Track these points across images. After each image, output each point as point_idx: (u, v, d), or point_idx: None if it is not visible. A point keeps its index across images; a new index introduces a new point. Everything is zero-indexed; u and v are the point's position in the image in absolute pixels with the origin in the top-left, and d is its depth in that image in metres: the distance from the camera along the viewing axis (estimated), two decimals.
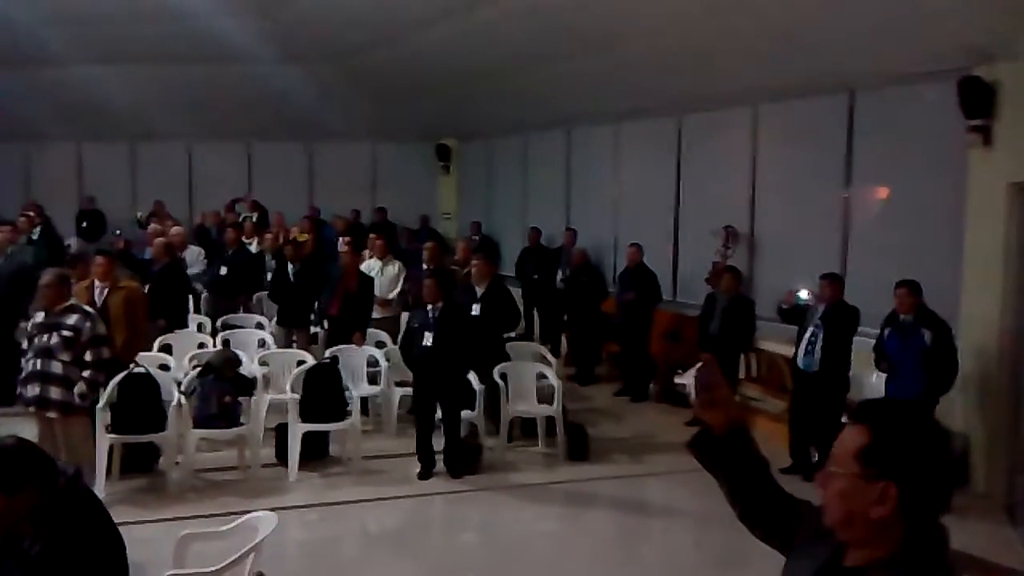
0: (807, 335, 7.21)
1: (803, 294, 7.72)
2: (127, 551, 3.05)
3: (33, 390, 5.69)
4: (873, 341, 6.95)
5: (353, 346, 8.39)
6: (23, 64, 12.73)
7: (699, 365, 2.06)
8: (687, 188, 10.79)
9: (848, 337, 7.12)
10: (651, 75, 10.00)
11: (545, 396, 7.90)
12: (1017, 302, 6.62)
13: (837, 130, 8.54)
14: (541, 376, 8.03)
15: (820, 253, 8.46)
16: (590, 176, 12.72)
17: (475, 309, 8.09)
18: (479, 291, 8.25)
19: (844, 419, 7.02)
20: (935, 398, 6.30)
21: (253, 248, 11.58)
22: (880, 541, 1.66)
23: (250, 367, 7.54)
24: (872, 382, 7.24)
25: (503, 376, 7.74)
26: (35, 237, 10.29)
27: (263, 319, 9.77)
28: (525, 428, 8.00)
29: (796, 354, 7.34)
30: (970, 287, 7.05)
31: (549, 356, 8.80)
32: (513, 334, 8.96)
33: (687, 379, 2.06)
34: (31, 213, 11.15)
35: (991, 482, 6.63)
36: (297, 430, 6.99)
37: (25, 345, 5.87)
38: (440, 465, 7.14)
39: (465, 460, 7.16)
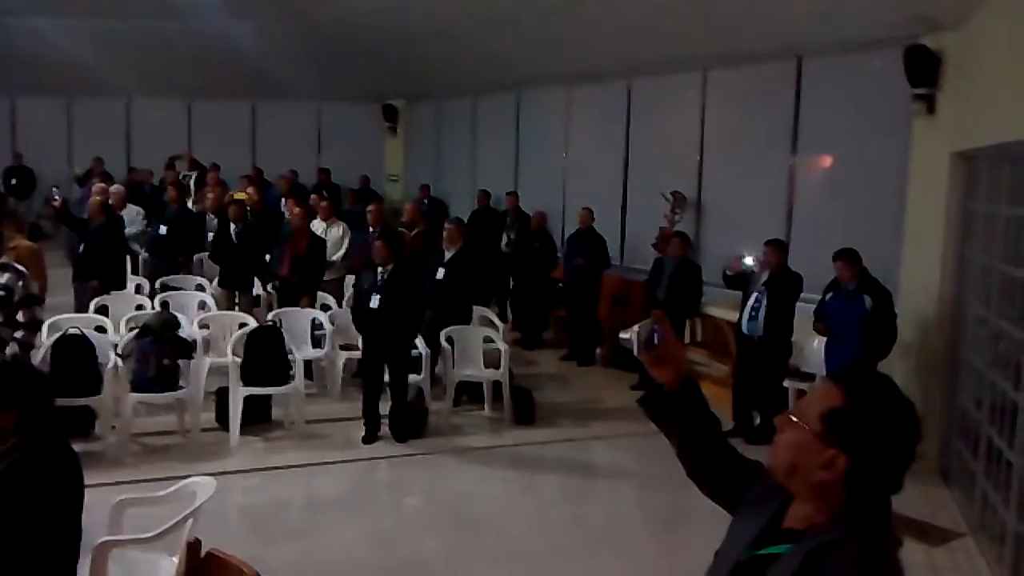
0: (751, 301, 7.28)
1: (749, 260, 7.79)
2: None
3: None
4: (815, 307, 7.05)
5: (297, 309, 8.26)
6: None
7: (645, 321, 2.03)
8: (636, 152, 10.79)
9: (791, 303, 7.21)
10: (603, 38, 9.92)
11: (491, 360, 7.88)
12: (955, 270, 6.75)
13: (785, 97, 8.58)
14: (488, 340, 8.00)
15: (766, 219, 8.54)
16: (540, 139, 12.64)
17: (440, 273, 8.00)
18: (448, 255, 8.14)
19: (786, 383, 7.18)
20: (872, 363, 6.41)
21: (192, 207, 11.29)
22: (820, 503, 1.65)
23: (190, 330, 7.37)
24: (814, 347, 7.36)
25: (449, 340, 7.69)
26: None
27: (204, 281, 9.56)
28: (471, 392, 7.98)
29: (740, 319, 7.42)
30: (910, 255, 7.17)
31: (496, 320, 8.77)
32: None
33: (631, 334, 2.03)
34: None
35: (926, 445, 6.79)
36: (238, 394, 6.87)
37: None
38: (385, 429, 7.09)
39: (411, 424, 7.12)
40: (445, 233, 8.31)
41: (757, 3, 7.86)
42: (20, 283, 5.53)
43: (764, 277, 7.26)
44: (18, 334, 5.52)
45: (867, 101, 7.76)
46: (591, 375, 9.51)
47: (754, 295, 7.27)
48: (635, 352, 2.03)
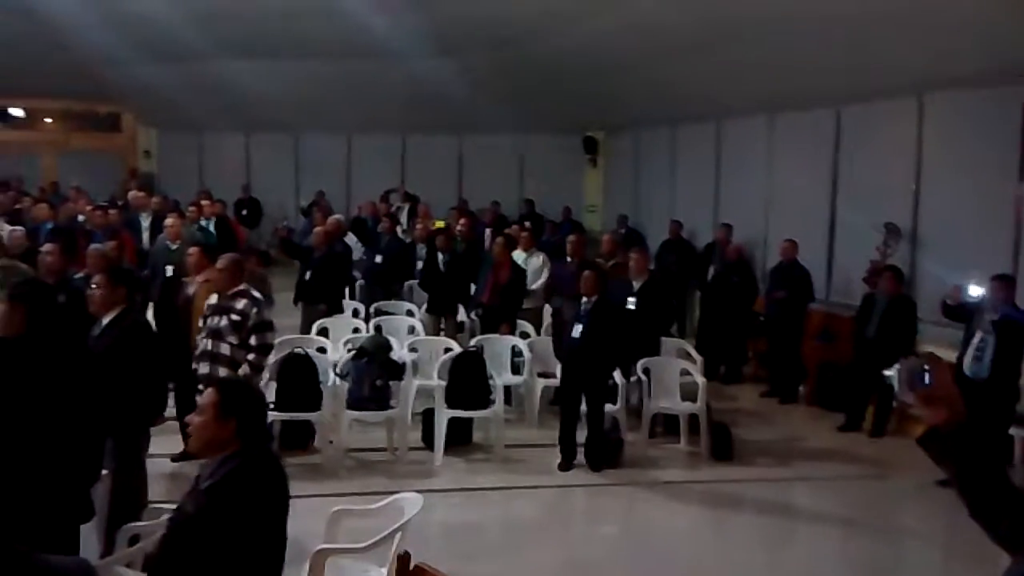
0: (976, 340, 6.78)
1: (972, 291, 7.26)
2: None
3: (204, 368, 6.08)
4: None
5: (498, 335, 8.54)
6: (192, 59, 13.60)
7: (910, 359, 2.04)
8: (845, 182, 10.37)
9: (1021, 344, 6.67)
10: (808, 65, 9.63)
11: (688, 394, 7.80)
12: None
13: (1011, 122, 7.99)
14: (685, 373, 7.93)
15: (991, 253, 7.94)
16: (741, 169, 12.40)
17: (630, 303, 8.04)
18: (636, 285, 8.19)
19: (1012, 431, 6.63)
20: None
21: (405, 237, 11.94)
22: None
23: (400, 353, 7.80)
24: None
25: (646, 371, 7.69)
26: (207, 225, 10.94)
27: (413, 307, 10.09)
28: (668, 425, 7.92)
29: (961, 360, 6.92)
30: None
31: (694, 353, 8.67)
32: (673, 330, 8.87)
33: (894, 371, 2.04)
34: (205, 202, 11.89)
35: None
36: (443, 416, 7.19)
37: (200, 324, 6.27)
38: (581, 457, 7.17)
39: (606, 454, 7.17)
40: (632, 263, 8.35)
41: (977, 23, 7.39)
42: (255, 309, 6.08)
43: (990, 316, 6.76)
44: (250, 356, 6.06)
45: None
46: (794, 413, 9.17)
47: (979, 334, 6.77)
48: (896, 390, 2.04)
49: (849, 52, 8.93)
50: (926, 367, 2.01)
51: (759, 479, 7.20)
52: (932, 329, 8.11)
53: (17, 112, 18.48)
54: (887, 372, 2.07)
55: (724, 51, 10.05)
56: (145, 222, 10.91)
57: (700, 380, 7.75)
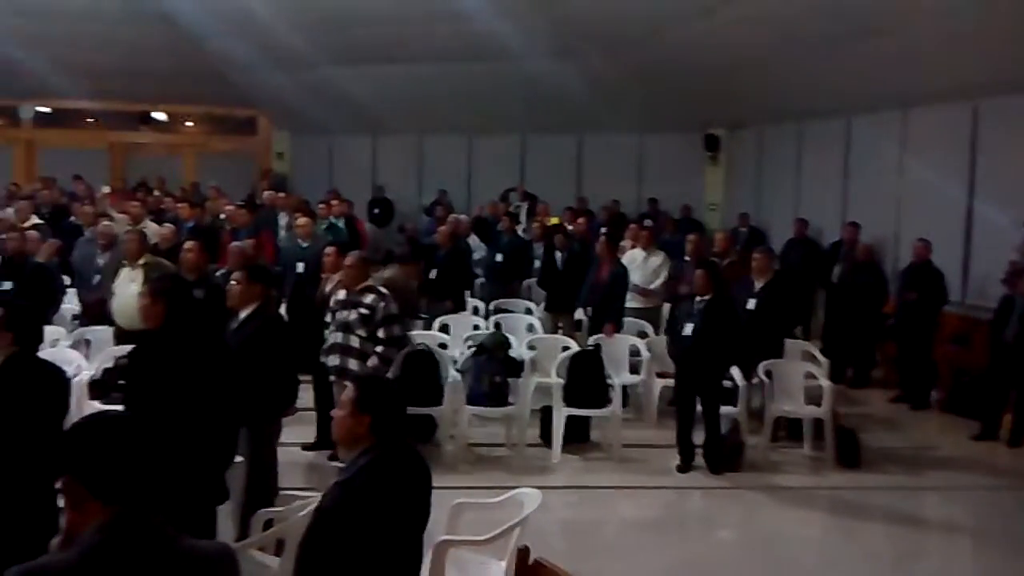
0: None
1: None
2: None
3: (334, 360, 6.35)
4: None
5: (618, 335, 8.52)
6: (320, 66, 14.10)
7: None
8: (983, 180, 9.87)
9: None
10: (943, 57, 9.23)
11: (814, 397, 7.60)
12: None
13: None
14: (810, 376, 7.73)
15: None
16: (871, 166, 11.97)
17: (751, 304, 7.90)
18: (758, 285, 8.04)
19: None
20: None
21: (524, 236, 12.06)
22: None
23: (519, 350, 7.90)
24: None
25: (768, 373, 7.55)
26: (338, 224, 11.34)
27: (532, 305, 10.19)
28: (791, 429, 7.74)
29: None
30: None
31: (819, 355, 8.43)
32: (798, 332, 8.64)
33: None
34: (333, 201, 12.32)
35: None
36: (561, 413, 7.25)
37: (329, 319, 6.54)
38: (700, 459, 7.10)
39: (726, 457, 7.07)
40: (754, 263, 8.17)
41: None
42: (382, 304, 6.31)
43: None
44: (378, 349, 6.30)
45: None
46: (925, 420, 8.82)
47: None
48: None
49: (986, 43, 8.51)
50: None
51: (887, 487, 6.96)
52: None
53: (160, 116, 19.60)
54: None
55: (854, 45, 9.73)
56: (283, 220, 11.38)
57: (825, 383, 7.53)
